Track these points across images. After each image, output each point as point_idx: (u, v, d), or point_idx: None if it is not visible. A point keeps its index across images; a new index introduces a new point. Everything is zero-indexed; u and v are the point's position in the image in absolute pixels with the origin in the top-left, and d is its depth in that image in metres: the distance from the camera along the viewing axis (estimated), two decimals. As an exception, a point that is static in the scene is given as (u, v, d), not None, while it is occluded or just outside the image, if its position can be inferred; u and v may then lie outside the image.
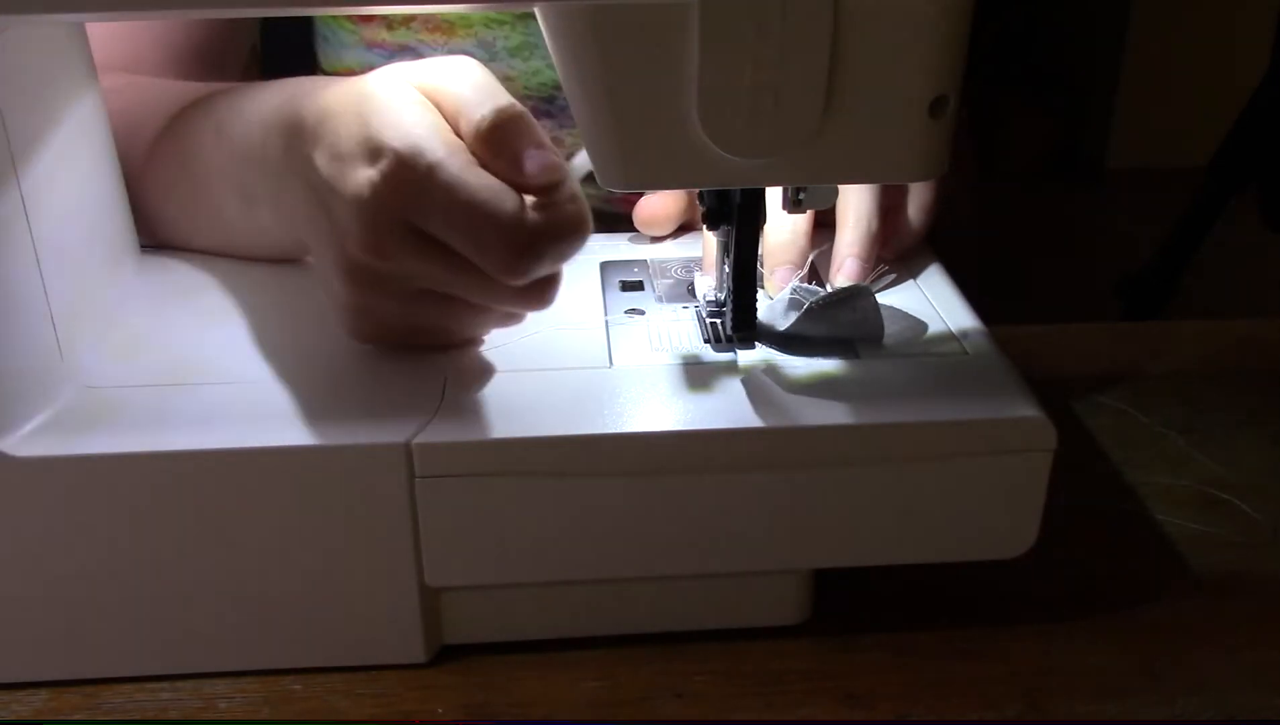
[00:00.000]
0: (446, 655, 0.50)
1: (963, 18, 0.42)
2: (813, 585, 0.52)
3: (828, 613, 0.52)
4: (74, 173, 0.51)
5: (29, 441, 0.45)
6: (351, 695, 0.48)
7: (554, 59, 0.43)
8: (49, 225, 0.48)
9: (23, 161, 0.46)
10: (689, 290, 0.57)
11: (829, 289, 0.53)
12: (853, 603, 0.53)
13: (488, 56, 0.75)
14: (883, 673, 0.49)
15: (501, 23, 0.74)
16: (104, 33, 0.65)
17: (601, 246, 0.62)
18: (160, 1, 0.42)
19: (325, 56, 0.80)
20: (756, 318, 0.52)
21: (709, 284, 0.54)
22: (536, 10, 0.43)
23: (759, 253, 0.51)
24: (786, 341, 0.51)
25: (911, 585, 0.53)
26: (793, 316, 0.51)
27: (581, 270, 0.59)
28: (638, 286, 0.58)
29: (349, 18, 0.77)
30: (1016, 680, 0.49)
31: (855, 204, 0.57)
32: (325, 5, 0.60)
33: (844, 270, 0.56)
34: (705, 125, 0.42)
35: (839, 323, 0.51)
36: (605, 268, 0.59)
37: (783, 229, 0.55)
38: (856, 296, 0.52)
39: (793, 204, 0.50)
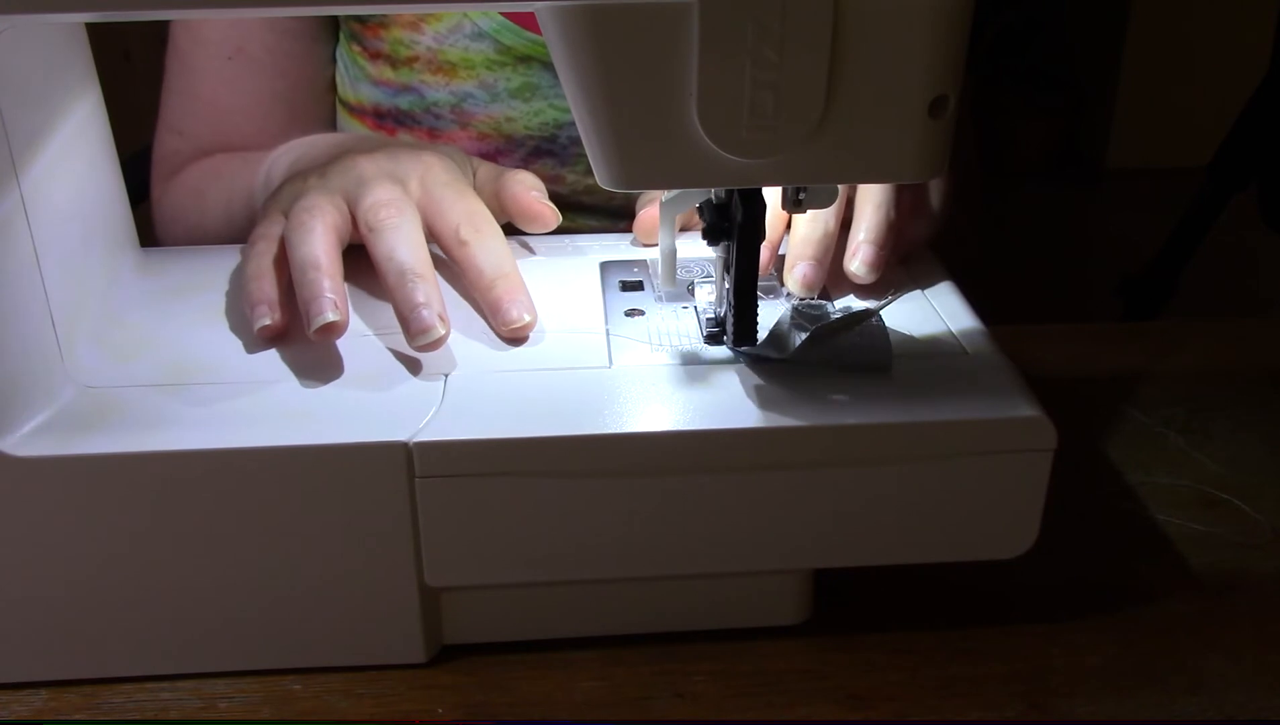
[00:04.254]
0: (446, 655, 0.50)
1: (963, 18, 0.42)
2: (813, 585, 0.52)
3: (828, 613, 0.52)
4: (73, 172, 0.51)
5: (29, 441, 0.45)
6: (351, 695, 0.48)
7: (554, 59, 0.43)
8: (49, 225, 0.48)
9: (23, 161, 0.46)
10: (689, 290, 0.57)
11: (832, 305, 0.52)
12: (853, 603, 0.53)
13: (489, 98, 0.75)
14: (883, 673, 0.49)
15: (502, 65, 0.74)
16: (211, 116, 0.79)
17: (601, 246, 0.62)
18: (160, 1, 0.42)
19: (342, 87, 0.81)
20: (757, 333, 0.50)
21: (708, 295, 0.54)
22: (536, 10, 0.43)
23: (768, 257, 0.50)
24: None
25: (911, 585, 0.53)
26: (795, 342, 0.49)
27: (581, 270, 0.59)
28: (638, 286, 0.58)
29: (360, 53, 0.77)
30: (1016, 680, 0.49)
31: (873, 193, 0.56)
32: (326, 5, 0.60)
33: (859, 255, 0.55)
34: (705, 125, 0.42)
35: (844, 349, 0.49)
36: (605, 268, 0.59)
37: (809, 222, 0.54)
38: (862, 321, 0.49)
39: (793, 204, 0.49)
